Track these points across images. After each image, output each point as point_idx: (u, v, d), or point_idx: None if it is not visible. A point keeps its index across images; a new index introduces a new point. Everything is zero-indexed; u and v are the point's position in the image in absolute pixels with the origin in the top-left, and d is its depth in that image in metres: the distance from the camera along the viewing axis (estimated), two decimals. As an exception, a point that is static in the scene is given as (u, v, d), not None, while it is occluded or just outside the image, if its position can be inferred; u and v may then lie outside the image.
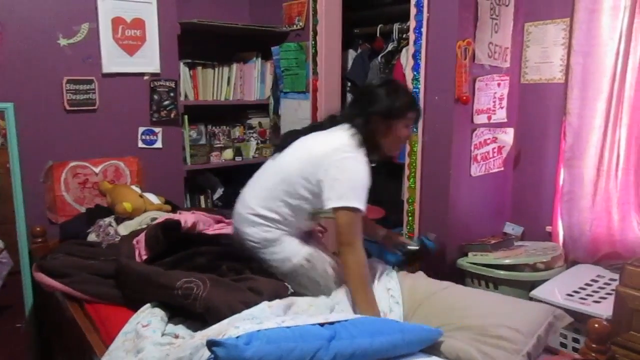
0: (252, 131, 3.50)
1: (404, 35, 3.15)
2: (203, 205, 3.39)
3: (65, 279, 2.01)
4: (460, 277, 2.49)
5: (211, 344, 1.14)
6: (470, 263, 2.47)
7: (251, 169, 3.55)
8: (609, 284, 2.22)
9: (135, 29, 2.79)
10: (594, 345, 1.42)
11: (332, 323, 1.31)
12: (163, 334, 1.60)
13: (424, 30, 2.46)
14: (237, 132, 3.45)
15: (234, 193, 3.45)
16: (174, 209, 2.73)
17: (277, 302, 1.60)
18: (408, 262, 2.16)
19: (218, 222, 2.40)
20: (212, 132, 3.33)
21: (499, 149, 2.69)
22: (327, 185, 1.74)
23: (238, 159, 3.41)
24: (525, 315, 1.56)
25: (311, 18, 3.11)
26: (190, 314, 1.68)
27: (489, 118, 2.60)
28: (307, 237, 1.98)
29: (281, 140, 2.09)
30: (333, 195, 1.72)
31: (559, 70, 2.57)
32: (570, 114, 2.47)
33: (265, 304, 1.56)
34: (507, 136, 2.71)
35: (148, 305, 1.76)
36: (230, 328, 1.26)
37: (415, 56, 2.51)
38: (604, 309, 1.98)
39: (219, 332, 1.32)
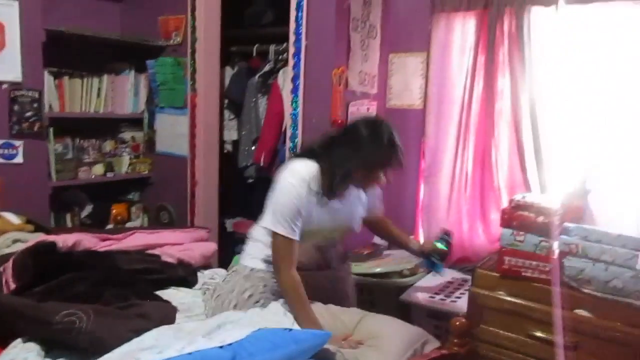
0: (124, 145, 3.39)
1: (280, 57, 3.31)
2: (69, 224, 3.20)
3: None
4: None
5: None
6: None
7: (124, 184, 3.49)
8: (462, 285, 2.58)
9: (-7, 32, 2.57)
10: (455, 340, 1.67)
11: (230, 344, 1.37)
12: (45, 371, 1.51)
13: (302, 56, 2.64)
14: (108, 146, 3.32)
15: (105, 209, 3.35)
16: (38, 229, 2.55)
17: (165, 328, 1.60)
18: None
19: (104, 239, 2.29)
20: (81, 146, 3.16)
21: (369, 167, 2.96)
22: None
23: (110, 174, 3.28)
24: (402, 336, 1.73)
25: (190, 34, 3.13)
26: (69, 346, 1.58)
27: (360, 139, 2.85)
28: None
29: None
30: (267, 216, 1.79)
31: (418, 97, 2.91)
32: (428, 137, 2.81)
33: (155, 333, 1.54)
34: (375, 155, 2.99)
35: (19, 340, 1.61)
36: (131, 360, 1.25)
37: (295, 80, 2.68)
38: (460, 307, 2.30)
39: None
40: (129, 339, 1.51)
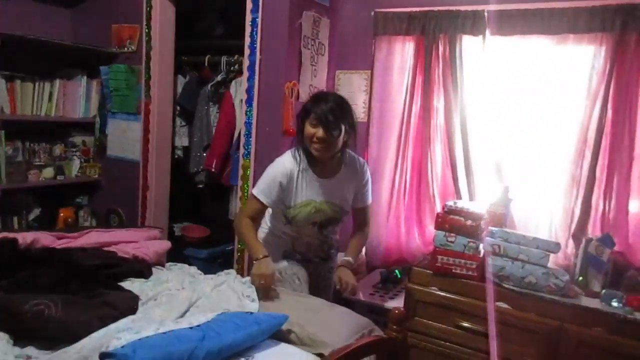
0: (75, 149, 3.42)
1: (232, 68, 3.47)
2: (16, 227, 3.18)
3: None
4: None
5: (103, 356, 1.26)
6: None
7: (73, 188, 3.50)
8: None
9: (-54, 35, 2.57)
10: (394, 327, 1.89)
11: (198, 325, 1.53)
12: (16, 357, 1.59)
13: (256, 69, 2.81)
14: (58, 150, 3.33)
15: (53, 214, 3.35)
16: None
17: (139, 316, 1.72)
18: None
19: (60, 238, 2.34)
20: (32, 149, 3.17)
21: (316, 174, 3.16)
22: None
23: (60, 177, 3.29)
24: (353, 323, 1.94)
25: (144, 43, 3.22)
26: (36, 335, 1.67)
27: (309, 148, 3.05)
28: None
29: None
30: None
31: (362, 111, 3.14)
32: (371, 147, 3.04)
33: (129, 319, 1.68)
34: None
35: None
36: (112, 340, 1.38)
37: (249, 91, 2.84)
38: (396, 303, 2.54)
39: (100, 344, 1.43)
40: (96, 326, 1.62)
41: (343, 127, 2.06)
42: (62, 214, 3.39)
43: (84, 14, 3.51)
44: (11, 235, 2.16)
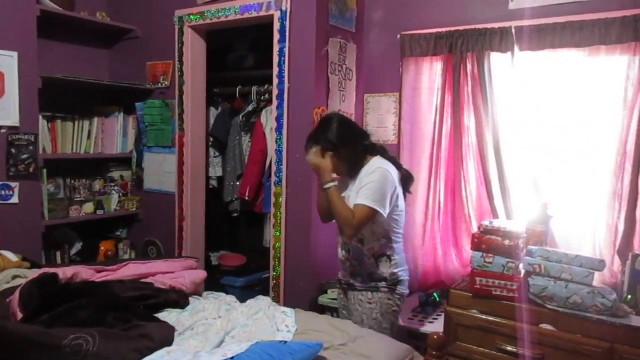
0: (113, 184, 3.52)
1: (262, 97, 3.53)
2: (59, 262, 3.28)
3: None
4: (321, 311, 2.83)
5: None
6: (329, 299, 2.83)
7: (112, 222, 3.59)
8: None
9: (-7, 81, 2.72)
10: (434, 353, 1.83)
11: (232, 357, 1.52)
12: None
13: (285, 97, 2.85)
14: (97, 185, 3.44)
15: (94, 247, 3.44)
16: (33, 266, 2.65)
17: (174, 347, 1.73)
18: None
19: (99, 271, 2.40)
20: (72, 186, 3.28)
21: (348, 199, 3.15)
22: None
23: (99, 212, 3.39)
24: (393, 350, 1.91)
25: (177, 78, 3.32)
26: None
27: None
28: None
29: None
30: None
31: (393, 133, 3.14)
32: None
33: (164, 350, 1.69)
34: (354, 188, 3.18)
35: None
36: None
37: (279, 119, 2.88)
38: (436, 327, 2.47)
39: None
40: (133, 359, 1.64)
41: (319, 147, 2.19)
42: (102, 247, 3.48)
43: (120, 53, 3.66)
44: (52, 270, 2.22)
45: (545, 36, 2.50)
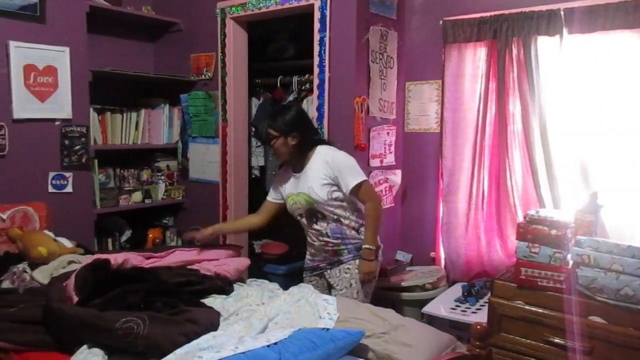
0: (160, 174, 3.62)
1: (303, 87, 3.54)
2: (110, 248, 3.41)
3: (-13, 331, 1.96)
4: (364, 300, 2.84)
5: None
6: (372, 288, 2.84)
7: (160, 210, 3.71)
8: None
9: (47, 76, 2.84)
10: (477, 343, 1.81)
11: (275, 343, 1.55)
12: (109, 373, 1.69)
13: (326, 87, 2.85)
14: (145, 175, 3.55)
15: (142, 234, 3.56)
16: (87, 252, 2.77)
17: (219, 332, 1.79)
18: None
19: (148, 258, 2.49)
20: (122, 176, 3.40)
21: (390, 188, 3.13)
22: None
23: (147, 201, 3.50)
24: (435, 339, 1.92)
25: (220, 70, 3.37)
26: (127, 349, 1.77)
27: (381, 162, 3.04)
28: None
29: None
30: None
31: (435, 122, 3.09)
32: (445, 158, 2.98)
33: (210, 335, 1.74)
34: (396, 177, 3.16)
35: (85, 346, 1.81)
36: (194, 359, 1.43)
37: (319, 109, 2.89)
38: (479, 318, 2.44)
39: (183, 361, 1.48)
40: (180, 342, 1.70)
41: (279, 134, 2.39)
42: (150, 235, 3.59)
43: (165, 46, 3.75)
44: (104, 256, 2.32)
45: (597, 18, 2.40)
